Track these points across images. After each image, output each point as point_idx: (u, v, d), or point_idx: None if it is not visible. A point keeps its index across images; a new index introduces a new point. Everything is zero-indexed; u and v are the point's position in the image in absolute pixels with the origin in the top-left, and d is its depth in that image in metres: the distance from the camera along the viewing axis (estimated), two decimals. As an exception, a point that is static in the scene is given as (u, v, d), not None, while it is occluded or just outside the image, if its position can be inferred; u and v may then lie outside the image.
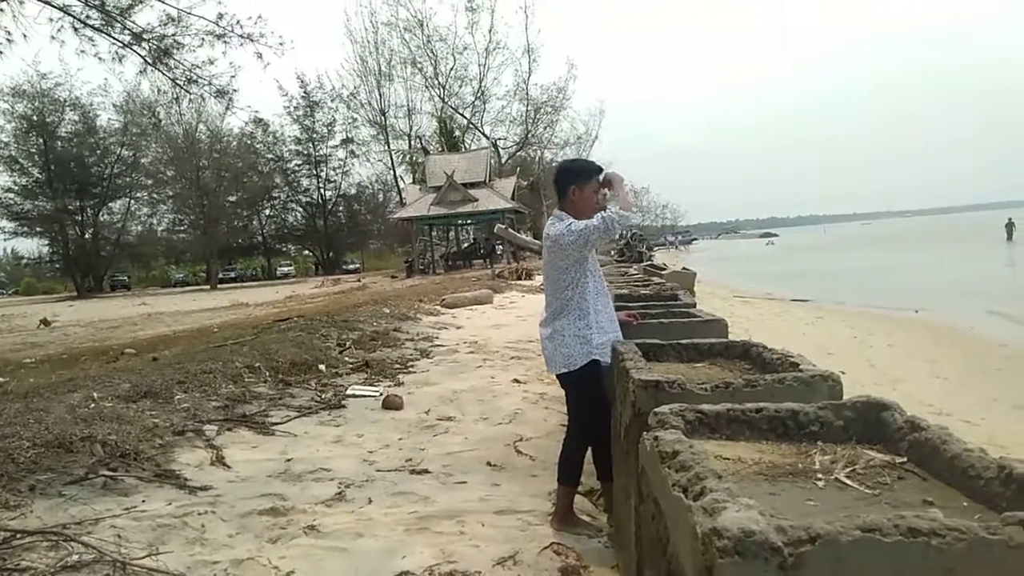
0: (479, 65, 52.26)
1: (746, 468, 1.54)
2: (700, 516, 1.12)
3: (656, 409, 1.75)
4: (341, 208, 61.93)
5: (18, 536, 2.94)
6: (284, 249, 66.23)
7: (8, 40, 11.44)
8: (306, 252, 66.83)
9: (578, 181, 3.23)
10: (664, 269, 16.65)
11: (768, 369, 2.44)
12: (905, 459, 1.53)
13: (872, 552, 1.02)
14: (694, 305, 4.78)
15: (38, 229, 50.83)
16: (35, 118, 47.38)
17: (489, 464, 4.20)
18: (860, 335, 11.24)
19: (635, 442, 2.14)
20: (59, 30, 11.72)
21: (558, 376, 3.33)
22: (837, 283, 22.56)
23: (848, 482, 1.44)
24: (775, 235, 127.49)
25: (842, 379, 2.10)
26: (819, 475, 1.48)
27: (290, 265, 63.18)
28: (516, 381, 6.54)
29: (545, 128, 52.95)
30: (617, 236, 3.17)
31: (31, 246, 57.85)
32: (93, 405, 4.81)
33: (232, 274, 57.10)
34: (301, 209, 61.90)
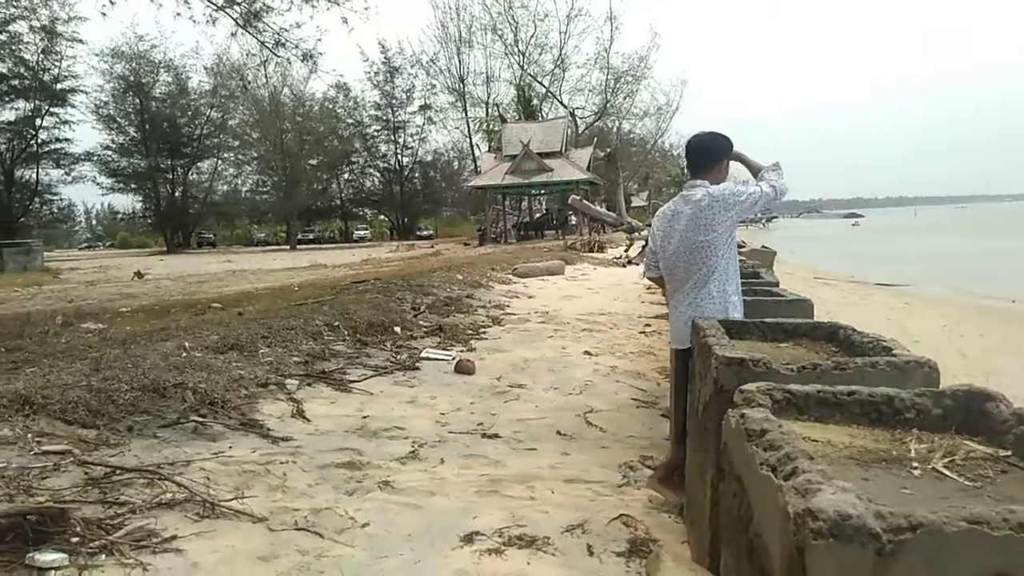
0: (560, 32, 51.55)
1: (836, 452, 1.49)
2: (792, 496, 1.10)
3: (743, 387, 1.72)
4: (417, 175, 62.62)
5: (118, 472, 3.14)
6: (361, 213, 67.58)
7: (111, 1, 11.95)
8: (382, 217, 68.04)
9: (728, 154, 3.26)
10: (743, 247, 16.21)
11: (857, 352, 2.35)
12: (1010, 452, 1.46)
13: (977, 545, 0.98)
14: (777, 284, 4.65)
15: (133, 186, 53.59)
16: (132, 79, 49.63)
17: (559, 433, 4.22)
18: (950, 323, 10.72)
19: (714, 418, 2.11)
20: (158, -8, 12.15)
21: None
22: (927, 268, 21.49)
23: (947, 472, 1.38)
24: (860, 216, 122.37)
25: (933, 367, 2.01)
26: (915, 463, 1.43)
27: (366, 229, 64.49)
28: (587, 353, 6.53)
29: (625, 98, 51.91)
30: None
31: (126, 202, 61.07)
32: (184, 354, 5.07)
33: (311, 236, 58.72)
34: (379, 174, 62.91)
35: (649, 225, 23.62)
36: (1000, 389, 1.71)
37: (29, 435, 3.38)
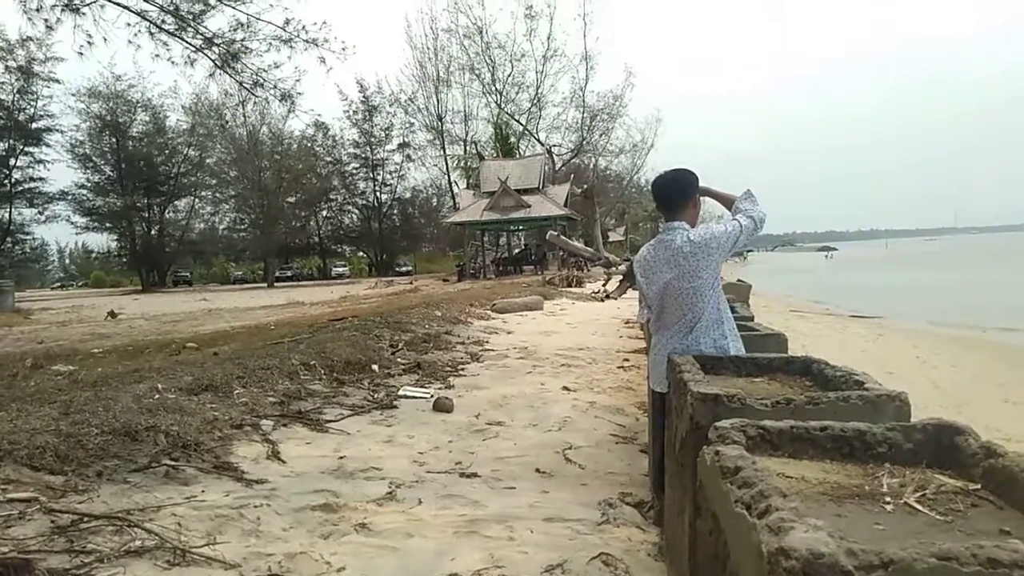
0: (536, 72, 52.62)
1: (810, 488, 1.50)
2: (766, 535, 1.10)
3: (717, 424, 1.72)
4: (396, 211, 62.91)
5: (85, 519, 3.05)
6: (339, 250, 67.54)
7: (89, 43, 11.99)
8: (360, 254, 68.04)
9: (697, 190, 3.19)
10: (718, 280, 16.37)
11: (830, 386, 2.38)
12: (979, 486, 1.47)
13: (947, 581, 0.98)
14: (751, 318, 4.70)
15: (108, 225, 53.17)
16: (109, 118, 49.62)
17: (538, 471, 4.19)
18: (923, 355, 10.87)
19: (690, 455, 2.11)
20: (136, 34, 12.22)
21: None
22: (899, 300, 21.87)
23: (918, 507, 1.39)
24: (834, 248, 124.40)
25: (906, 400, 2.03)
26: (887, 498, 1.43)
27: (345, 266, 64.33)
28: (566, 389, 6.52)
29: (601, 135, 52.84)
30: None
31: (101, 241, 60.61)
32: (157, 396, 4.98)
33: (288, 273, 58.46)
34: (357, 211, 63.10)
35: (627, 260, 23.80)
36: (972, 419, 1.74)
37: (-6, 482, 3.28)
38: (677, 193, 3.16)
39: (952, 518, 1.34)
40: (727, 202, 3.31)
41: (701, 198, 3.30)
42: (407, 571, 2.80)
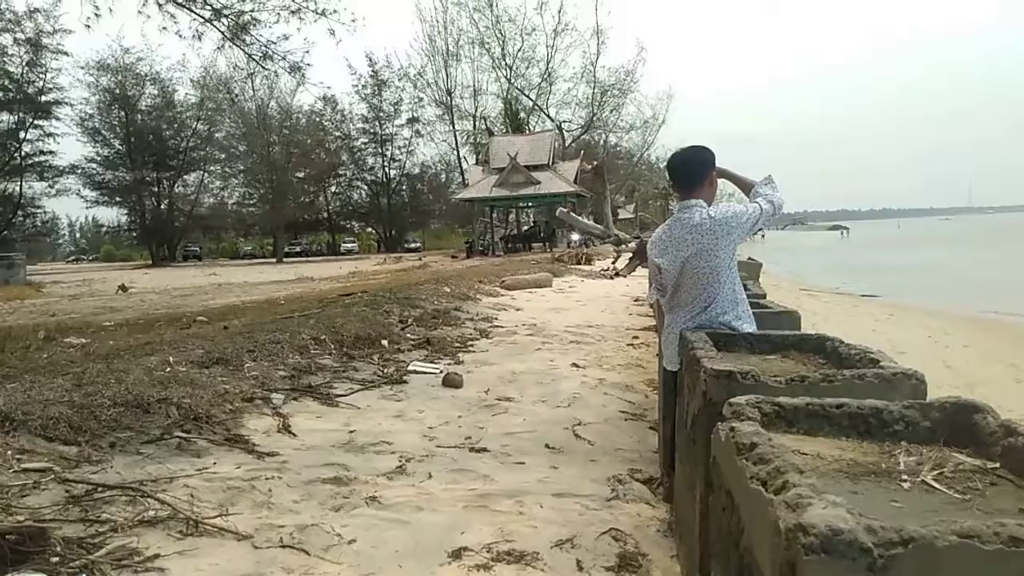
0: (547, 47, 52.09)
1: (826, 465, 1.48)
2: (783, 511, 1.09)
3: (731, 400, 1.71)
4: (404, 187, 62.75)
5: (99, 490, 3.09)
6: (348, 226, 67.54)
7: (96, 14, 11.91)
8: (369, 229, 68.01)
9: (714, 167, 3.12)
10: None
11: (845, 364, 2.36)
12: (998, 465, 1.45)
13: (968, 559, 0.97)
14: (764, 296, 4.67)
15: (117, 199, 53.35)
16: (117, 91, 49.56)
17: (548, 446, 4.20)
18: (935, 335, 10.81)
19: (703, 432, 2.10)
20: (144, 4, 12.11)
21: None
22: (911, 280, 21.72)
23: (935, 485, 1.37)
24: (846, 227, 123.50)
25: (919, 379, 2.01)
26: (904, 476, 1.42)
27: (354, 242, 64.39)
28: (575, 365, 6.52)
29: (611, 111, 52.38)
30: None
31: (111, 215, 60.85)
32: (169, 369, 5.01)
33: (297, 248, 58.56)
34: (366, 187, 62.97)
35: (637, 237, 23.66)
36: (984, 399, 1.72)
37: (9, 452, 3.32)
38: (694, 170, 3.10)
39: (970, 497, 1.32)
40: (745, 186, 3.23)
41: (717, 179, 3.24)
42: (417, 544, 2.82)
